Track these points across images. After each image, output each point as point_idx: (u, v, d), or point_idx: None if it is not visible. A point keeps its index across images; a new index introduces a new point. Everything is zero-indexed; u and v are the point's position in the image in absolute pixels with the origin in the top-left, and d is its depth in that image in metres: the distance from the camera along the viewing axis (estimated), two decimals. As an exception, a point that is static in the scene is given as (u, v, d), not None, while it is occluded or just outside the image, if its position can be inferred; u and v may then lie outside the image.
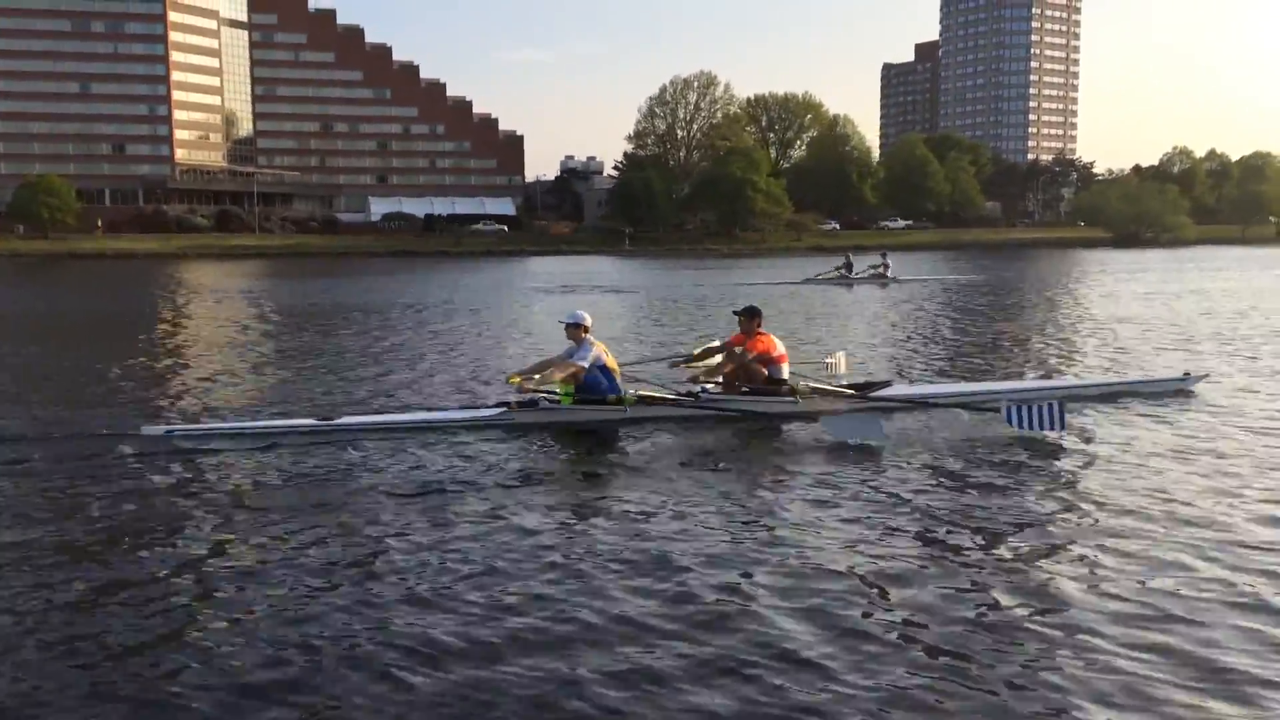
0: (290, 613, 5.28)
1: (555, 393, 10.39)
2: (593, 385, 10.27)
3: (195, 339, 21.55)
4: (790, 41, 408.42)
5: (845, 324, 22.67)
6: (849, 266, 41.38)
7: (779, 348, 11.10)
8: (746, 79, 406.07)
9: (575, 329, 10.52)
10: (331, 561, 6.10)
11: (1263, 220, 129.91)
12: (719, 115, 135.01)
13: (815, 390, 10.85)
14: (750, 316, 11.13)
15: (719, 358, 11.41)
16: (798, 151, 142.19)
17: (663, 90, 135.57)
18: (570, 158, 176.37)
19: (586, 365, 10.23)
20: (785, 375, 11.00)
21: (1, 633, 5.05)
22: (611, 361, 10.51)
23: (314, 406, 11.69)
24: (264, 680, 4.50)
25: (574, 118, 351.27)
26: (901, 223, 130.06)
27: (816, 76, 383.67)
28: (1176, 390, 11.82)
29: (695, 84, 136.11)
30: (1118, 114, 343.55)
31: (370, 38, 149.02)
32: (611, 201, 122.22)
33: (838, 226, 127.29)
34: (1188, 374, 12.33)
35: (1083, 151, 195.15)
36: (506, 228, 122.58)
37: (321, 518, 7.01)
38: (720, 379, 11.03)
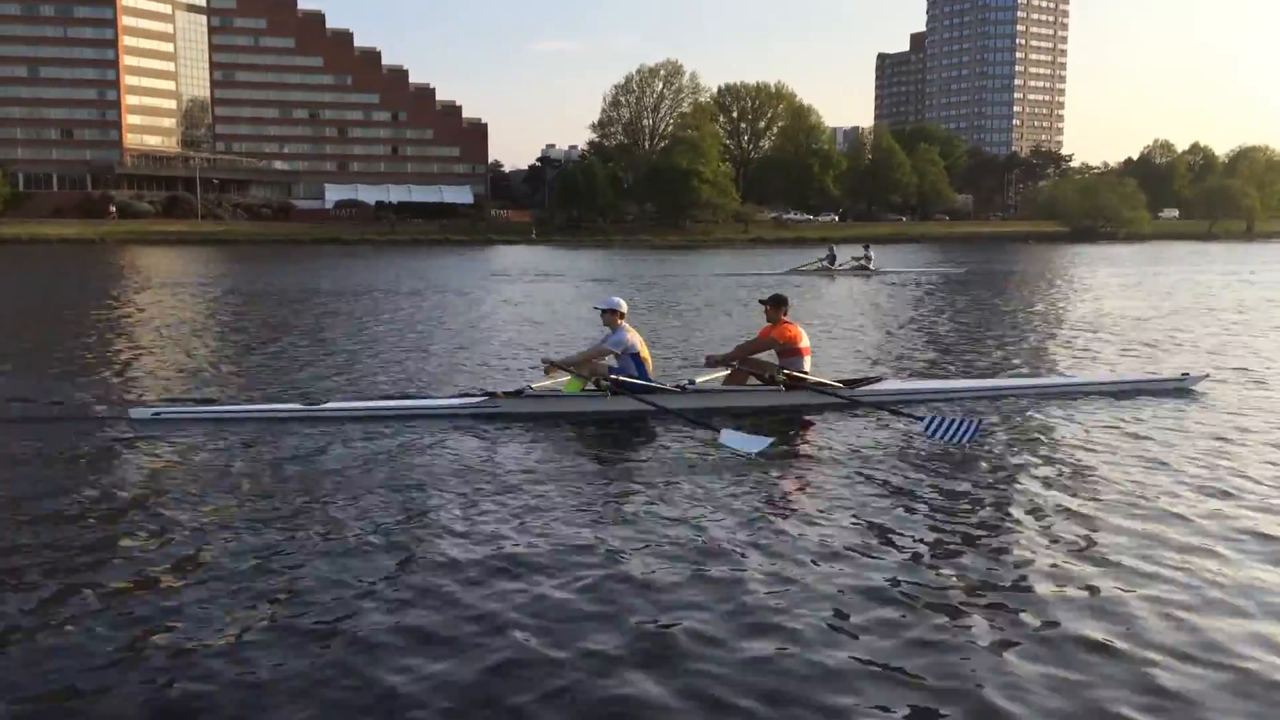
0: (272, 598, 5.32)
1: (561, 383, 10.32)
2: (624, 373, 10.18)
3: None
4: (794, 32, 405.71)
5: (835, 316, 22.25)
6: (832, 259, 41.39)
7: (804, 339, 10.85)
8: (760, 71, 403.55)
9: (610, 314, 10.47)
10: (315, 548, 6.14)
11: (1229, 215, 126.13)
12: (686, 104, 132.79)
13: (801, 381, 10.55)
14: (776, 305, 10.91)
15: (759, 355, 11.01)
16: (769, 142, 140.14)
17: (628, 79, 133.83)
18: (551, 146, 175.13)
19: (619, 351, 10.20)
20: (807, 368, 10.76)
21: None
22: (645, 351, 10.44)
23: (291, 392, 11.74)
24: (241, 665, 4.52)
25: (570, 107, 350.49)
26: (795, 214, 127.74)
27: (819, 68, 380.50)
28: (1175, 390, 11.38)
29: (661, 72, 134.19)
30: (1108, 106, 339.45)
31: (363, 33, 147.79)
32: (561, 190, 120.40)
33: (807, 217, 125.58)
34: (1186, 374, 11.81)
35: (1070, 144, 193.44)
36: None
37: (307, 503, 7.07)
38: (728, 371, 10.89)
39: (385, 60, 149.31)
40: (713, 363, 11.09)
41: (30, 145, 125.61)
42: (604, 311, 10.58)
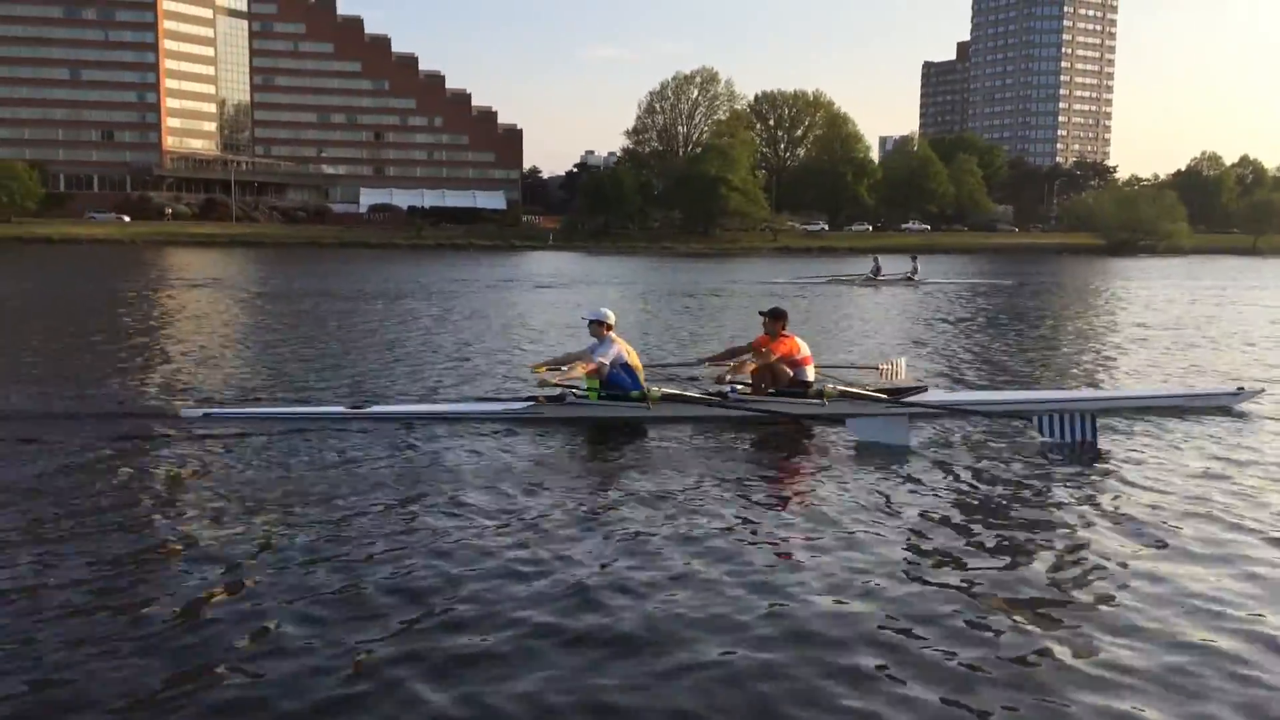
0: (315, 600, 5.35)
1: (582, 388, 10.41)
2: (616, 383, 10.30)
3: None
4: (843, 40, 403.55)
5: (875, 326, 22.46)
6: (877, 270, 41.70)
7: (803, 350, 10.91)
8: (810, 79, 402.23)
9: (598, 325, 10.56)
10: (359, 550, 6.16)
11: (1276, 229, 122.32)
12: (721, 112, 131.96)
13: (843, 393, 10.61)
14: (775, 318, 10.95)
15: (745, 358, 11.12)
16: (805, 150, 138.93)
17: (663, 85, 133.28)
18: (590, 153, 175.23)
19: (607, 363, 10.29)
20: (810, 377, 10.86)
21: (41, 603, 5.26)
22: (634, 360, 10.55)
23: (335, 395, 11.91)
24: (282, 665, 4.55)
25: (616, 113, 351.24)
26: (820, 225, 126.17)
27: (868, 76, 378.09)
28: (1227, 406, 11.19)
29: (697, 79, 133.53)
30: (1158, 118, 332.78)
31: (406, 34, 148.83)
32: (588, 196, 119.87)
33: (825, 227, 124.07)
34: (1241, 388, 11.55)
35: (1116, 156, 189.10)
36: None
37: (351, 504, 7.16)
38: (748, 380, 10.91)
39: (423, 66, 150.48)
40: (704, 363, 11.38)
41: (70, 146, 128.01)
42: (591, 322, 10.68)
